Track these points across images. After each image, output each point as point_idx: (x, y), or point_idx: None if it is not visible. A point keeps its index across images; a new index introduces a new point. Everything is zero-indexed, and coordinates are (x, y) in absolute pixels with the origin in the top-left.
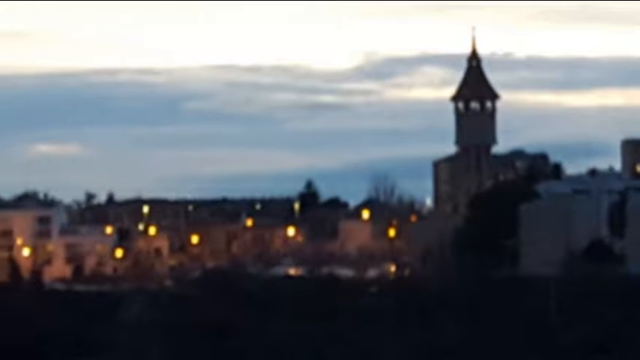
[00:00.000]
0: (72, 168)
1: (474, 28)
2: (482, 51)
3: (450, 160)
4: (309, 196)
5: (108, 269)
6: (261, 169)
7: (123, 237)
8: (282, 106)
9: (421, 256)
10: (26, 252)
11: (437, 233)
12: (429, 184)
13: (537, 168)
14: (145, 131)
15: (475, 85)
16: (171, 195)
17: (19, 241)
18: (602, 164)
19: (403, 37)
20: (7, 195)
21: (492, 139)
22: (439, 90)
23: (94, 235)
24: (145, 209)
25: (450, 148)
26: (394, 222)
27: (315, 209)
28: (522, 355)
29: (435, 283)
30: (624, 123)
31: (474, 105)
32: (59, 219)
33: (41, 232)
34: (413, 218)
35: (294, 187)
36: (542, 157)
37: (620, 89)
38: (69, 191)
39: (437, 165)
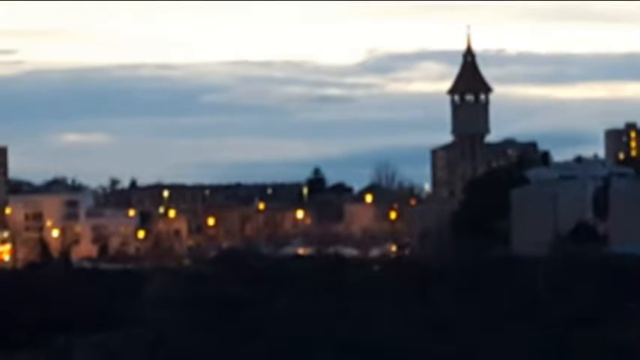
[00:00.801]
0: (97, 156)
1: (468, 27)
2: (476, 48)
3: (446, 148)
4: (316, 181)
5: (131, 249)
6: (272, 157)
7: (144, 219)
8: (292, 98)
9: (420, 237)
10: (55, 233)
11: (435, 216)
12: (427, 171)
13: (527, 156)
14: (164, 122)
15: (470, 79)
16: (189, 180)
17: (48, 223)
18: (587, 152)
19: (403, 34)
20: (38, 180)
21: (486, 129)
22: (436, 84)
23: (118, 218)
24: (165, 194)
25: (446, 137)
26: (395, 205)
27: (322, 194)
28: (514, 328)
29: (433, 262)
30: (607, 114)
31: (469, 97)
32: (86, 203)
33: (69, 214)
34: (412, 202)
35: (302, 173)
36: (532, 146)
37: (603, 83)
38: (95, 177)
39: (434, 153)
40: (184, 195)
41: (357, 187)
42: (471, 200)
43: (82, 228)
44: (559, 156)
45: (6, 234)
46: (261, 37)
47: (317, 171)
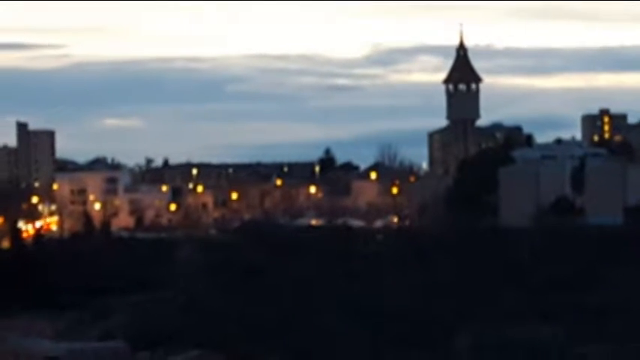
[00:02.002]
0: (134, 138)
1: (461, 24)
2: (468, 43)
3: (441, 131)
4: (327, 160)
5: (164, 220)
6: (288, 139)
7: (176, 194)
8: (306, 87)
9: (419, 210)
10: (97, 206)
11: (431, 191)
12: (424, 151)
13: (513, 138)
14: (193, 108)
15: (462, 71)
16: (215, 160)
17: (91, 198)
18: (565, 135)
19: (403, 31)
20: (82, 160)
21: (476, 115)
22: (433, 75)
23: (152, 193)
24: (194, 171)
25: (442, 122)
26: (397, 182)
27: (332, 171)
28: (501, 291)
29: (431, 232)
30: (583, 101)
31: (462, 87)
32: (124, 179)
33: (109, 190)
34: (412, 179)
35: (315, 154)
36: (517, 129)
37: (580, 74)
38: (132, 157)
39: (431, 135)
40: (211, 172)
41: (363, 166)
42: (463, 177)
43: (121, 202)
44: (541, 138)
45: (53, 207)
46: (279, 33)
47: (328, 151)
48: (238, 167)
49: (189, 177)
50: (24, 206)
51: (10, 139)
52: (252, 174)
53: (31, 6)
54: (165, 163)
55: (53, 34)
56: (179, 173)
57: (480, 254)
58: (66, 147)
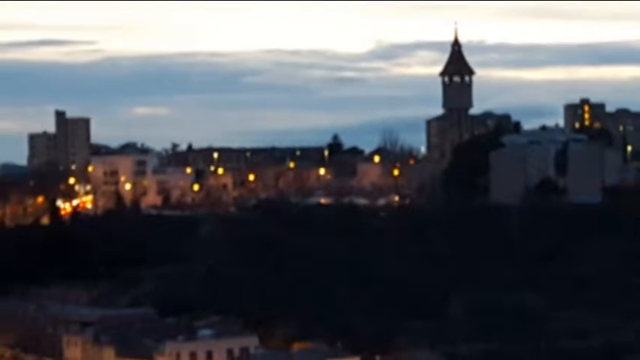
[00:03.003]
0: (161, 125)
1: (455, 22)
2: (462, 39)
3: (438, 119)
4: (335, 145)
5: (188, 199)
6: (300, 126)
7: (199, 175)
8: (316, 79)
9: (417, 190)
10: (128, 186)
11: (429, 173)
12: (423, 137)
13: (502, 125)
14: (214, 98)
15: (457, 64)
16: (234, 144)
17: (122, 179)
18: (549, 122)
19: (404, 29)
20: (114, 144)
21: (469, 104)
22: (430, 68)
23: (178, 174)
24: (215, 155)
25: (438, 110)
26: (398, 164)
27: (339, 155)
28: (492, 262)
29: (428, 209)
30: (566, 92)
31: (456, 79)
32: (152, 162)
33: (139, 171)
34: (411, 162)
35: (324, 139)
36: (506, 117)
37: (563, 67)
38: (159, 142)
39: (429, 122)
40: (230, 156)
41: (367, 150)
42: (458, 160)
43: (149, 182)
44: (527, 125)
45: (88, 187)
46: (292, 30)
47: (335, 137)
48: (255, 151)
49: (210, 160)
50: (62, 186)
51: (50, 126)
52: (268, 157)
53: (67, 6)
54: (189, 147)
55: (87, 31)
56: (202, 157)
57: (473, 229)
58: (100, 133)
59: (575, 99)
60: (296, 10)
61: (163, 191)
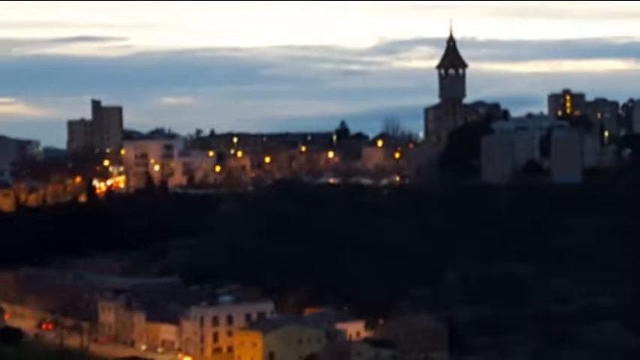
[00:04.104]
0: (186, 112)
1: (451, 21)
2: (456, 35)
3: (435, 107)
4: (342, 131)
5: (210, 179)
6: (311, 114)
7: (220, 158)
8: (325, 72)
9: (416, 171)
10: (157, 168)
11: (427, 156)
12: (421, 123)
13: (492, 113)
14: (234, 88)
15: (452, 58)
16: (252, 130)
17: (152, 161)
18: (535, 110)
19: (404, 26)
20: (144, 130)
21: (463, 94)
22: (428, 61)
23: (201, 157)
24: (235, 140)
25: (435, 100)
26: (399, 148)
27: (346, 140)
28: (483, 235)
29: (426, 188)
30: (549, 83)
31: (451, 71)
32: (178, 146)
33: (166, 155)
34: (411, 145)
35: (332, 125)
36: (496, 106)
37: (547, 61)
38: (184, 128)
39: (427, 111)
40: (248, 140)
41: (371, 135)
42: (452, 144)
43: (176, 164)
44: (515, 113)
45: (121, 168)
46: (303, 28)
47: (343, 123)
48: (271, 136)
49: (231, 144)
50: (97, 168)
51: (86, 114)
52: (282, 142)
53: (101, 6)
54: (212, 133)
55: (119, 28)
56: (223, 141)
57: (466, 206)
58: (131, 120)
59: (558, 89)
60: (307, 9)
61: (188, 172)
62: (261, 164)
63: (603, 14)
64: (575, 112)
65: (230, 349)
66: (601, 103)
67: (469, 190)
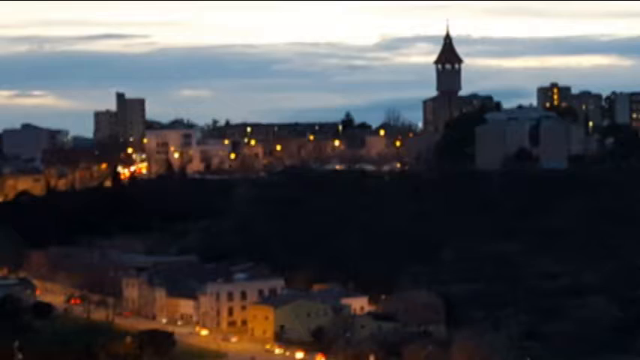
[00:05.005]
0: (204, 104)
1: (447, 20)
2: (452, 33)
3: (433, 99)
4: (347, 121)
5: (226, 166)
6: (318, 105)
7: (235, 146)
8: (332, 67)
9: (415, 158)
10: (176, 155)
11: (425, 144)
12: (420, 114)
13: (486, 104)
14: (248, 82)
15: (448, 54)
16: (264, 120)
17: (172, 149)
18: (525, 102)
19: (405, 25)
20: (165, 120)
21: (458, 87)
22: (427, 57)
23: (217, 145)
24: (248, 129)
25: (433, 92)
26: (399, 137)
27: (351, 129)
28: (476, 217)
29: (424, 174)
30: (538, 77)
31: (448, 66)
32: (196, 135)
33: (185, 143)
34: (410, 135)
35: (338, 116)
36: (489, 98)
37: (536, 57)
38: (202, 118)
39: (425, 102)
40: (261, 130)
41: (374, 125)
42: (449, 134)
43: (194, 152)
44: (507, 105)
45: (144, 156)
46: (312, 26)
47: (348, 114)
48: (281, 126)
49: (244, 133)
50: (122, 155)
51: (111, 105)
52: (292, 131)
53: (125, 5)
54: (227, 123)
55: (142, 27)
56: (237, 131)
57: (461, 190)
58: (153, 111)
59: (546, 83)
60: (316, 10)
61: (205, 159)
62: (272, 152)
63: (588, 14)
64: (562, 104)
65: (244, 322)
66: (586, 95)
67: (464, 175)
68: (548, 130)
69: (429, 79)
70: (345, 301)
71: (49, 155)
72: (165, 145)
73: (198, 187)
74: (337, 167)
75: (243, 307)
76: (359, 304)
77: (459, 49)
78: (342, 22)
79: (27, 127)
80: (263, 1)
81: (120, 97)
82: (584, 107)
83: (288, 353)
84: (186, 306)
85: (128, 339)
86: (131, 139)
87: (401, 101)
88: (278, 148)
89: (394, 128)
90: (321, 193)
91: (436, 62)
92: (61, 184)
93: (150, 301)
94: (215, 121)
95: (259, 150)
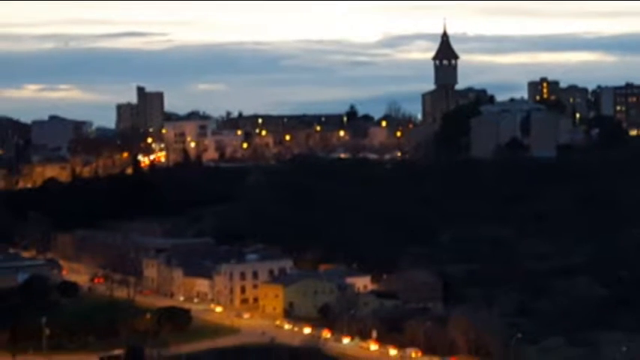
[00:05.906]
0: (217, 97)
1: (444, 18)
2: (449, 31)
3: (431, 92)
4: (352, 113)
5: (238, 154)
6: (324, 98)
7: (247, 136)
8: (337, 62)
9: (415, 147)
10: (192, 145)
11: (424, 134)
12: (419, 106)
13: (480, 98)
14: (259, 77)
15: (445, 51)
16: (275, 112)
17: (188, 139)
18: (517, 95)
19: (405, 23)
20: (182, 112)
21: (455, 81)
22: (425, 53)
23: (231, 136)
24: (260, 120)
25: (431, 86)
26: (400, 128)
27: (355, 120)
28: (472, 202)
29: (423, 163)
30: (529, 72)
31: (445, 62)
32: (211, 126)
33: (201, 133)
34: (410, 126)
35: (343, 108)
36: (483, 92)
37: (527, 53)
38: (217, 110)
39: (424, 96)
40: (271, 121)
41: (376, 117)
42: (446, 125)
43: (209, 142)
44: (500, 98)
45: (162, 145)
46: (318, 24)
47: (352, 107)
48: (290, 117)
49: (256, 124)
50: (142, 145)
51: (132, 98)
52: (300, 122)
53: (145, 5)
54: (240, 114)
55: (161, 25)
56: (249, 122)
57: (457, 177)
58: (171, 103)
59: (536, 77)
60: (321, 8)
61: (220, 148)
62: (282, 141)
63: (575, 13)
64: (551, 97)
65: (255, 300)
66: (573, 89)
67: (460, 163)
68: (538, 122)
69: (427, 74)
70: (349, 280)
71: (75, 145)
72: (183, 135)
73: (213, 174)
74: (342, 156)
75: (255, 286)
76: (362, 283)
77: (456, 46)
78: (347, 21)
79: (54, 119)
80: (272, 1)
81: (140, 90)
82: (571, 100)
83: (296, 328)
84: (201, 285)
85: (148, 315)
86: (151, 130)
87: (401, 94)
88: (287, 138)
89: (395, 119)
90: (328, 180)
91: (434, 58)
92: (86, 172)
93: (168, 280)
94: (229, 113)
95: (270, 140)
